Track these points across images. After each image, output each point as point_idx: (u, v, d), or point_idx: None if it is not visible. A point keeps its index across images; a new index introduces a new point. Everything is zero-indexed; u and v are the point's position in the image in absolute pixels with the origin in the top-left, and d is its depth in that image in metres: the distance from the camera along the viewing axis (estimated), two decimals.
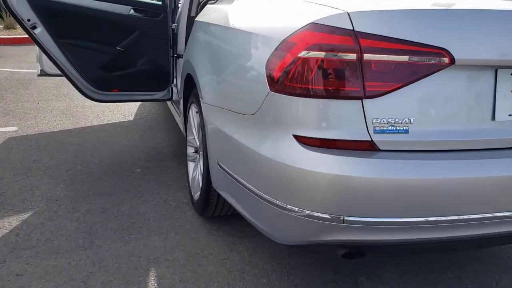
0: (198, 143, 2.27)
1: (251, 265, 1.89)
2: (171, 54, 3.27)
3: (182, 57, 3.38)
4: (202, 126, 1.97)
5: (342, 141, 1.24)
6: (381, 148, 1.25)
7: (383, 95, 1.22)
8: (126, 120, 4.12)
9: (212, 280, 1.79)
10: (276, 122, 1.32)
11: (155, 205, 2.41)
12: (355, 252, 1.35)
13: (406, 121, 1.25)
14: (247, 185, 1.49)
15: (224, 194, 1.78)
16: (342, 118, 1.23)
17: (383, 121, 1.24)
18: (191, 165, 2.51)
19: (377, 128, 1.24)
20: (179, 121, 2.86)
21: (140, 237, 2.08)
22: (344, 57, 1.20)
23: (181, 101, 2.61)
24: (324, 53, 1.20)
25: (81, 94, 2.92)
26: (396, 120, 1.24)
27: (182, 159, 3.13)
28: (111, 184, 2.66)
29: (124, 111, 4.42)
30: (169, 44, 3.19)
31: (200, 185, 2.11)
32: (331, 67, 1.21)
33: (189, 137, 2.50)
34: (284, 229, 1.37)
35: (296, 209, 1.28)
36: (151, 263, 1.88)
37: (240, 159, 1.53)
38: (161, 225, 2.20)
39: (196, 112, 2.23)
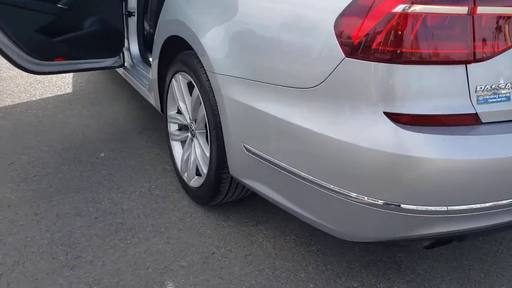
0: (189, 121, 1.89)
1: (280, 258, 1.65)
2: (123, 12, 2.72)
3: (134, 15, 2.84)
4: (207, 101, 1.60)
5: (445, 116, 0.99)
6: (483, 121, 1.03)
7: (490, 57, 0.99)
8: (64, 92, 3.47)
9: (244, 285, 1.51)
10: (356, 97, 1.02)
11: (140, 197, 2.02)
12: (441, 241, 1.16)
13: (508, 86, 1.04)
14: (303, 174, 1.20)
15: (251, 183, 1.48)
16: (444, 87, 0.98)
17: (487, 88, 1.01)
18: (177, 146, 2.12)
19: (481, 98, 1.01)
20: (150, 93, 2.41)
21: (136, 241, 1.71)
22: (453, 11, 0.93)
23: (154, 70, 2.16)
24: (428, 6, 0.92)
25: (14, 66, 2.30)
26: (499, 85, 1.03)
27: (149, 136, 2.70)
28: (75, 176, 2.18)
29: (57, 82, 3.73)
30: None
31: (205, 170, 1.76)
32: (436, 24, 0.93)
33: (171, 112, 2.09)
34: (363, 225, 1.13)
35: (387, 203, 1.04)
36: (164, 274, 1.54)
37: (289, 143, 1.22)
38: (156, 222, 1.83)
39: (189, 84, 1.83)
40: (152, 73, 2.23)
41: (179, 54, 1.85)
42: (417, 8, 0.92)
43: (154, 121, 2.95)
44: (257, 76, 1.30)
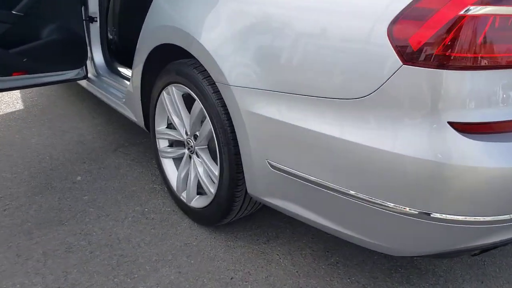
0: (185, 136, 1.74)
1: (303, 276, 1.56)
2: (83, 18, 2.49)
3: (95, 21, 2.61)
4: (216, 116, 1.46)
5: (508, 122, 0.97)
6: None
7: None
8: (15, 109, 3.12)
9: None
10: (414, 106, 0.96)
11: (134, 223, 1.83)
12: (487, 249, 1.14)
13: None
14: (347, 191, 1.12)
15: (276, 201, 1.37)
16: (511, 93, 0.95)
17: None
18: (168, 164, 1.95)
19: None
20: (128, 106, 2.20)
21: (144, 274, 1.54)
22: None
23: (136, 82, 1.97)
24: (497, 7, 0.88)
25: None
26: None
27: (125, 152, 2.49)
28: (53, 206, 1.93)
29: (3, 97, 3.35)
30: (79, 3, 2.41)
31: (212, 190, 1.62)
32: (505, 26, 0.90)
33: (160, 128, 1.92)
34: (416, 240, 1.08)
35: (447, 216, 0.99)
36: None
37: (329, 158, 1.14)
38: (160, 250, 1.67)
39: (186, 96, 1.68)
40: (133, 86, 2.04)
41: (171, 64, 1.70)
42: (487, 9, 0.88)
43: (127, 135, 2.73)
44: (290, 88, 1.20)
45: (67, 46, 2.39)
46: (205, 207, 1.70)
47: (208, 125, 1.55)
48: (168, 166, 1.96)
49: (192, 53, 1.50)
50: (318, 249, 1.71)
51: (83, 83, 2.80)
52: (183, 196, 1.86)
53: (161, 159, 1.97)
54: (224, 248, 1.69)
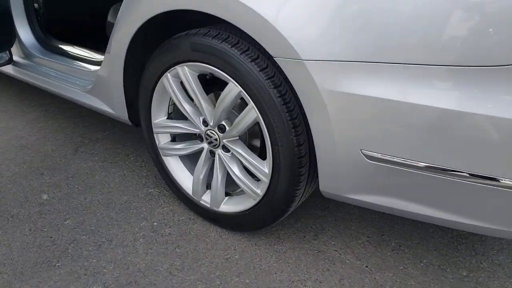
0: (203, 127, 1.37)
1: (376, 270, 1.37)
2: None
3: None
4: (266, 101, 1.13)
5: None
6: None
7: None
8: None
9: None
10: None
11: (149, 244, 1.44)
12: None
13: None
14: (490, 175, 0.92)
15: (365, 198, 1.12)
16: None
17: None
18: (174, 163, 1.56)
19: None
20: (96, 95, 1.70)
21: None
22: None
23: (117, 63, 1.49)
24: None
25: None
26: None
27: (90, 152, 1.99)
28: (28, 244, 1.43)
29: None
30: None
31: (258, 190, 1.30)
32: None
33: (159, 119, 1.50)
34: None
35: None
36: None
37: (455, 139, 0.91)
38: (201, 274, 1.32)
39: (201, 78, 1.30)
40: (109, 69, 1.56)
41: (178, 38, 1.28)
42: None
43: (81, 130, 2.19)
44: (399, 55, 0.91)
45: None
46: (246, 210, 1.38)
47: (251, 113, 1.20)
48: (174, 165, 1.57)
49: (232, 22, 1.11)
50: (373, 234, 1.53)
51: (7, 69, 2.16)
52: (205, 200, 1.51)
53: (163, 158, 1.57)
54: (275, 256, 1.41)
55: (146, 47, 1.49)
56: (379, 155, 1.02)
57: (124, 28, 1.42)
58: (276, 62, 1.15)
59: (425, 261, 1.42)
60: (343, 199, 1.17)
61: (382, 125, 0.99)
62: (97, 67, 1.76)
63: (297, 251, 1.44)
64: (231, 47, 1.17)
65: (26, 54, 2.07)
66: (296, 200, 1.27)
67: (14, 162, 1.90)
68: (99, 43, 2.37)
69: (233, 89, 1.21)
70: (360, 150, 1.04)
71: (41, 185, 1.75)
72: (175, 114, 1.53)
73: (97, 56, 1.86)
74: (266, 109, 1.16)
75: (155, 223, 1.55)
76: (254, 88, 1.16)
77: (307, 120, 1.11)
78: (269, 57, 1.15)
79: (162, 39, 1.41)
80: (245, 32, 1.11)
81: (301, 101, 1.07)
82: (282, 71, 1.15)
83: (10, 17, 1.82)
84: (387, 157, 1.01)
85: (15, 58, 2.10)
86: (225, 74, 1.21)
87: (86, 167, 1.89)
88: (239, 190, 1.47)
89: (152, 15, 1.29)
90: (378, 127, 1.00)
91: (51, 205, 1.63)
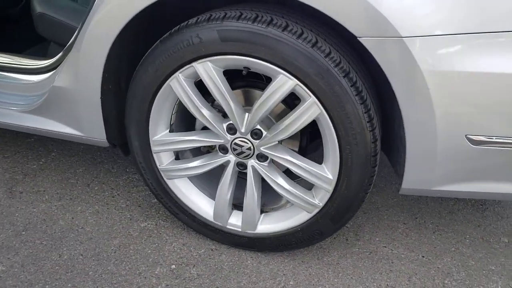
0: (229, 136, 1.10)
1: (437, 259, 1.28)
2: None
3: None
4: (334, 92, 0.92)
5: None
6: None
7: None
8: None
9: None
10: None
11: (178, 284, 1.12)
12: None
13: None
14: None
15: (463, 187, 0.99)
16: None
17: None
18: (186, 186, 1.25)
19: None
20: (60, 114, 1.26)
21: None
22: None
23: (95, 69, 1.10)
24: None
25: None
26: None
27: (45, 192, 1.52)
28: None
29: None
30: None
31: (316, 201, 1.09)
32: None
33: (159, 135, 1.17)
34: None
35: None
36: None
37: None
38: None
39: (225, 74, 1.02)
40: (77, 76, 1.15)
41: (197, 25, 0.97)
42: None
43: (4, 163, 1.66)
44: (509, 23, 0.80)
45: None
46: (298, 226, 1.15)
47: (312, 109, 0.98)
48: (184, 189, 1.25)
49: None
50: (407, 220, 1.44)
51: None
52: (232, 224, 1.24)
53: (167, 181, 1.24)
54: (330, 270, 1.22)
55: (139, 43, 1.13)
56: (487, 138, 0.91)
57: (100, 25, 1.04)
58: (339, 46, 0.95)
59: (467, 236, 1.39)
60: (429, 193, 1.04)
61: (494, 105, 0.87)
62: (41, 77, 1.30)
63: (349, 258, 1.27)
64: (282, 31, 0.92)
65: None
66: (361, 205, 1.10)
67: None
68: (10, 42, 1.82)
69: (285, 83, 0.97)
70: (465, 135, 0.91)
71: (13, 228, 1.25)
72: (177, 125, 1.21)
73: (30, 62, 1.38)
74: (333, 103, 0.95)
75: (173, 266, 1.22)
76: (318, 78, 0.93)
77: (387, 110, 0.94)
78: (332, 41, 0.94)
79: (158, 32, 1.08)
80: (289, 11, 0.88)
81: (394, 88, 0.89)
82: (348, 56, 0.96)
83: None
84: (494, 139, 0.91)
85: None
86: (272, 66, 0.96)
87: (39, 212, 1.42)
88: (279, 205, 1.24)
89: (148, 3, 0.95)
90: (489, 107, 0.88)
91: (14, 278, 1.17)
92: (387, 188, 1.59)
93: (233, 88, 1.12)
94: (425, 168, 0.99)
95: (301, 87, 0.96)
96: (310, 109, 0.98)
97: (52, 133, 1.32)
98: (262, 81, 1.17)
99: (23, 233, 1.34)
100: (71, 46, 1.18)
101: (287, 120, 1.03)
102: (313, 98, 0.97)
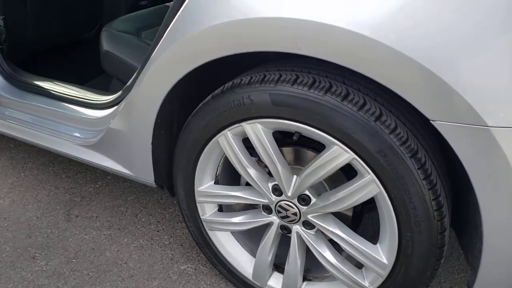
0: (274, 198, 1.02)
1: None
2: None
3: None
4: (396, 173, 0.81)
5: None
6: None
7: None
8: None
9: None
10: None
11: None
12: None
13: None
14: None
15: None
16: None
17: None
18: (226, 239, 1.19)
19: None
20: (114, 153, 1.28)
21: None
22: None
23: (149, 115, 1.09)
24: None
25: None
26: None
27: (97, 218, 1.55)
28: None
29: None
30: None
31: (364, 282, 0.97)
32: None
33: (203, 186, 1.12)
34: None
35: None
36: None
37: None
38: None
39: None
40: (131, 121, 1.15)
41: (254, 86, 0.91)
42: None
43: (67, 183, 1.73)
44: None
45: None
46: None
47: (370, 187, 0.87)
48: (225, 242, 1.19)
49: (367, 74, 0.77)
50: None
51: None
52: (272, 287, 1.15)
53: (209, 232, 1.19)
54: None
55: (193, 97, 1.10)
56: None
57: (165, 68, 1.02)
58: (407, 120, 0.83)
59: None
60: None
61: None
62: (100, 113, 1.33)
63: None
64: (342, 100, 0.82)
65: None
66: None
67: None
68: (82, 73, 1.90)
69: (340, 155, 0.87)
70: None
71: (37, 276, 1.29)
72: (223, 176, 1.16)
73: (92, 96, 1.42)
74: (396, 184, 0.83)
75: None
76: (379, 156, 0.82)
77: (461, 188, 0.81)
78: (399, 113, 0.83)
79: (214, 84, 1.03)
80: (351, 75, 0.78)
81: (472, 179, 0.75)
82: (417, 130, 0.83)
83: None
84: None
85: None
86: (327, 136, 0.86)
87: (89, 240, 1.45)
88: (324, 275, 1.13)
89: (223, 55, 0.90)
90: None
91: None
92: (453, 258, 1.41)
93: (282, 144, 1.04)
94: (508, 271, 0.83)
95: (358, 161, 0.86)
96: (368, 186, 0.87)
97: (104, 168, 1.33)
98: (315, 142, 1.08)
99: (74, 260, 1.37)
100: (129, 88, 1.18)
101: (341, 193, 0.92)
102: (372, 175, 0.85)
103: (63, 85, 1.51)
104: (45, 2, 1.77)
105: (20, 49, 1.75)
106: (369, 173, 0.85)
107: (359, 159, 0.85)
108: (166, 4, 1.79)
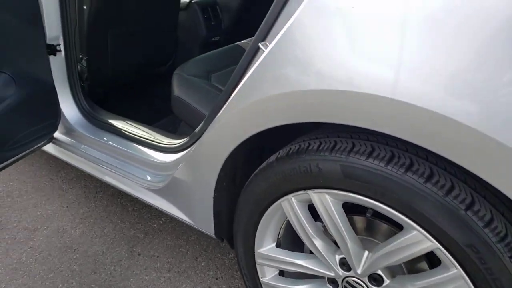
0: (342, 272, 0.92)
1: None
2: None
3: (59, 50, 1.60)
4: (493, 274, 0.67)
5: None
6: None
7: None
8: None
9: None
10: None
11: None
12: None
13: None
14: None
15: None
16: None
17: None
18: None
19: None
20: (177, 201, 1.28)
21: None
22: None
23: (212, 170, 1.06)
24: None
25: None
26: None
27: (159, 258, 1.55)
28: None
29: None
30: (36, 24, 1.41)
31: None
32: None
33: (264, 248, 1.05)
34: None
35: None
36: None
37: None
38: None
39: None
40: (195, 173, 1.13)
41: (323, 154, 0.83)
42: None
43: (132, 217, 1.76)
44: None
45: (37, 98, 1.39)
46: None
47: (457, 282, 0.74)
48: None
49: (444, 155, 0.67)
50: None
51: (46, 147, 1.76)
52: None
53: None
54: None
55: (255, 151, 1.06)
56: None
57: (234, 127, 0.98)
58: (504, 212, 0.70)
59: None
60: None
61: None
62: (168, 157, 1.33)
63: None
64: (425, 182, 0.72)
65: (68, 130, 1.67)
66: None
67: (61, 276, 1.47)
68: (152, 110, 1.97)
69: (420, 242, 0.76)
70: None
71: None
72: (285, 239, 1.08)
73: (162, 139, 1.43)
74: (487, 280, 0.70)
75: None
76: (469, 251, 0.70)
77: None
78: (493, 203, 0.70)
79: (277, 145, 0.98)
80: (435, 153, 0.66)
81: None
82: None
83: (55, 94, 1.42)
84: None
85: (55, 134, 1.70)
86: (406, 219, 0.76)
87: (149, 282, 1.45)
88: None
89: (297, 121, 0.84)
90: None
91: None
92: None
93: (352, 211, 0.94)
94: None
95: (443, 252, 0.73)
96: (454, 281, 0.74)
97: (167, 213, 1.33)
98: None
99: None
100: (196, 135, 1.17)
101: (421, 282, 0.80)
102: (459, 271, 0.73)
103: (134, 125, 1.55)
104: (124, 41, 1.85)
105: (99, 87, 1.85)
106: (456, 268, 0.73)
107: (444, 250, 0.73)
108: (238, 43, 1.79)
